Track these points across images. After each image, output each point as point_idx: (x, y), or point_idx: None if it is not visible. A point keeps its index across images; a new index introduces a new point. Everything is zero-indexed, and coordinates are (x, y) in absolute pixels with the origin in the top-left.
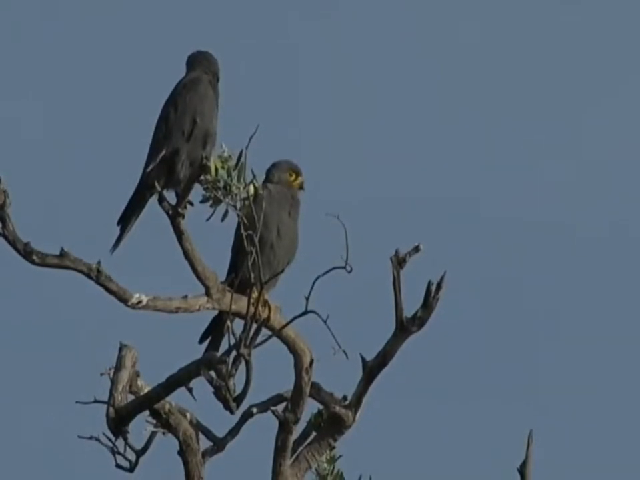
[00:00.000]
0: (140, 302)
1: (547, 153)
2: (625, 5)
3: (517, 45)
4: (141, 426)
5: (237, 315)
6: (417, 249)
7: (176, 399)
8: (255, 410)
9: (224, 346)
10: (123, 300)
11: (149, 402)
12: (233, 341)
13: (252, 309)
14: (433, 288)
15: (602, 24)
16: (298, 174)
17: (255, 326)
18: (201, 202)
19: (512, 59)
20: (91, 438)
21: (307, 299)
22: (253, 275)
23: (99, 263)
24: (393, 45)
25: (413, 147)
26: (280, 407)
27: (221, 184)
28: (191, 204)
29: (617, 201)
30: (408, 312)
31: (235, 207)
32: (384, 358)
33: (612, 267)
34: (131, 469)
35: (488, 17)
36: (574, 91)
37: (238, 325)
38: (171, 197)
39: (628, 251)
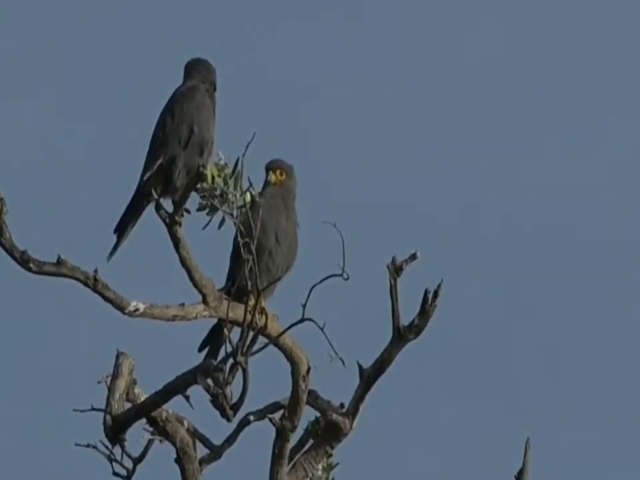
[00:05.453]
0: (137, 310)
1: (545, 156)
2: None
3: (519, 48)
4: (138, 434)
5: (234, 322)
6: (413, 257)
7: (173, 406)
8: (252, 418)
9: (222, 354)
10: (120, 308)
11: (146, 410)
12: (229, 349)
13: (249, 317)
14: (430, 295)
15: (604, 24)
16: (267, 170)
17: (251, 334)
18: (198, 210)
19: (513, 61)
20: (88, 446)
21: (304, 306)
22: (250, 283)
23: (95, 270)
24: (395, 47)
25: (412, 153)
26: (277, 415)
27: (218, 192)
28: (188, 212)
29: (616, 203)
30: (405, 319)
31: (231, 214)
32: (381, 365)
33: (612, 270)
34: (128, 477)
35: (487, 18)
36: (570, 92)
37: (236, 333)
38: (167, 204)
39: (628, 254)
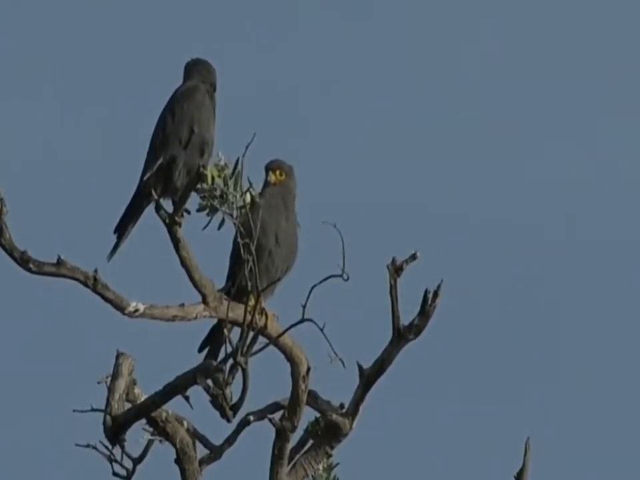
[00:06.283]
0: (137, 310)
1: (541, 155)
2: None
3: (520, 48)
4: (137, 434)
5: (234, 323)
6: (413, 257)
7: (173, 407)
8: (251, 418)
9: (222, 354)
10: (120, 308)
11: (145, 410)
12: (229, 349)
13: (249, 317)
14: (430, 296)
15: (603, 23)
16: (267, 170)
17: (251, 334)
18: (198, 210)
19: (513, 61)
20: (88, 446)
21: (304, 307)
22: (249, 283)
23: (95, 271)
24: (396, 47)
25: (412, 153)
26: (277, 415)
27: (218, 192)
28: (188, 212)
29: (616, 202)
30: (405, 320)
31: (231, 215)
32: (381, 366)
33: (613, 270)
34: (128, 477)
35: (487, 18)
36: (570, 91)
37: (236, 334)
38: (167, 205)
39: (627, 254)
